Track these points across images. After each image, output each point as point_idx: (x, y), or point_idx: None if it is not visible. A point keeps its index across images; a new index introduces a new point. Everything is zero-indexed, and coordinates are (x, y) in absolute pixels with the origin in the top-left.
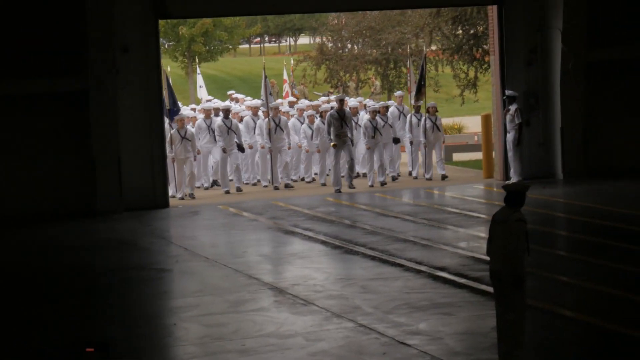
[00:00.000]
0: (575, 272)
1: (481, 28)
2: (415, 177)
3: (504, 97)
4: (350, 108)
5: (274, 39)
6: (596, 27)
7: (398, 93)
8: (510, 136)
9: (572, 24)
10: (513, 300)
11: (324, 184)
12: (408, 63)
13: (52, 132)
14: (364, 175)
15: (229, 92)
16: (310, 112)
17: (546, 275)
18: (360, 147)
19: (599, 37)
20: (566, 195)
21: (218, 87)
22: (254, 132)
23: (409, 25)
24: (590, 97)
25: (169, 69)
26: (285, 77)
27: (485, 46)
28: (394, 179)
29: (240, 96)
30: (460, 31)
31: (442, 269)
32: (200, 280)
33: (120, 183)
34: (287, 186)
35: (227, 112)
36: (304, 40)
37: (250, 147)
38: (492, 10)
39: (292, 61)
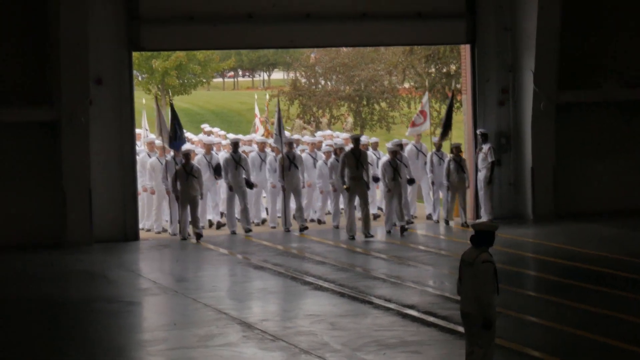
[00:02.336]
0: (543, 313)
1: (454, 67)
2: (437, 221)
3: (478, 133)
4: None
5: (247, 74)
6: (567, 70)
7: (416, 130)
8: (481, 175)
9: (543, 65)
10: (482, 339)
11: (336, 227)
12: (423, 98)
13: (23, 162)
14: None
15: (203, 126)
16: (326, 148)
17: (514, 316)
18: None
19: (569, 79)
20: (535, 236)
21: (191, 121)
22: (260, 170)
23: (382, 63)
24: (560, 138)
25: (143, 101)
26: (256, 112)
27: (457, 85)
28: (408, 223)
29: (215, 129)
30: (433, 69)
31: (411, 307)
32: (169, 314)
33: (90, 215)
34: (302, 229)
35: (236, 145)
36: (277, 75)
37: (256, 186)
38: (465, 50)
39: (267, 96)
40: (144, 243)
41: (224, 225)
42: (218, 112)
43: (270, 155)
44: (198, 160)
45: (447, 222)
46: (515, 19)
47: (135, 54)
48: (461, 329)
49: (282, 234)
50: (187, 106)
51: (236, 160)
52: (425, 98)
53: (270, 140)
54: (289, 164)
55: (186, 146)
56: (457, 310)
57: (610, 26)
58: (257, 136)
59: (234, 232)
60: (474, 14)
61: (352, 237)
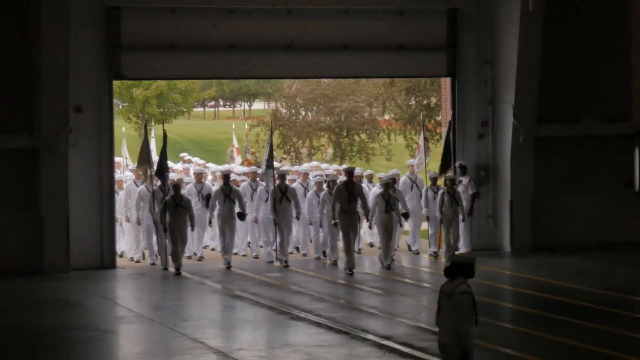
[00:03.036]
0: (521, 345)
1: (434, 99)
2: (436, 254)
3: (457, 166)
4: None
5: (228, 104)
6: (546, 104)
7: (411, 161)
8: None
9: (523, 99)
10: None
11: (335, 263)
12: (421, 132)
13: (1, 188)
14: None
15: (182, 155)
16: (317, 178)
17: (492, 348)
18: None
19: (548, 114)
20: (513, 268)
21: (170, 150)
22: (252, 200)
23: (363, 94)
24: (539, 172)
25: (123, 129)
26: (234, 142)
27: (437, 117)
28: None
29: (194, 159)
30: (414, 102)
31: (387, 337)
32: (144, 342)
33: (68, 242)
34: (284, 264)
35: (227, 178)
36: (258, 105)
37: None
38: (445, 83)
39: (246, 126)
40: (121, 271)
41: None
42: (198, 142)
43: (261, 185)
44: (188, 189)
45: (435, 256)
46: (495, 53)
47: (116, 83)
48: None
49: (317, 280)
50: (169, 135)
51: (226, 193)
52: (420, 135)
53: (257, 169)
54: (281, 197)
55: (176, 176)
56: (434, 341)
57: (590, 61)
58: (236, 166)
59: (229, 267)
60: (454, 47)
61: (351, 272)
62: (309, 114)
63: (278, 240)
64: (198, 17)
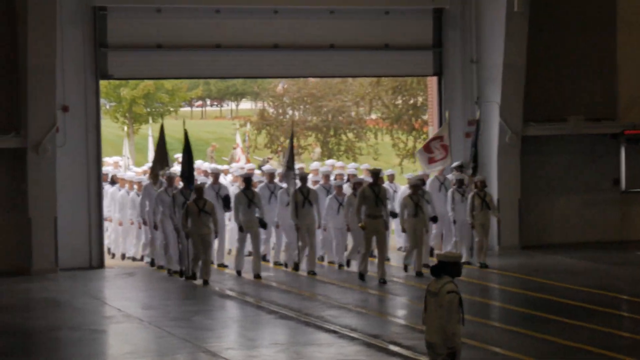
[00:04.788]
0: (508, 344)
1: (421, 99)
2: (469, 263)
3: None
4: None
5: (215, 103)
6: (532, 103)
7: (435, 166)
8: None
9: (509, 98)
10: None
11: (340, 265)
12: (448, 131)
13: None
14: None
15: (176, 156)
16: (339, 182)
17: (479, 346)
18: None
19: (535, 113)
20: (500, 267)
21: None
22: (269, 203)
23: (350, 94)
24: (525, 171)
25: (125, 129)
26: (237, 141)
27: (424, 116)
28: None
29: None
30: (400, 101)
31: (376, 336)
32: (133, 342)
33: (56, 242)
34: (311, 273)
35: (249, 181)
36: (245, 105)
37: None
38: (432, 82)
39: (248, 126)
40: (110, 271)
41: (225, 266)
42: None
43: (281, 187)
44: (205, 190)
45: (484, 265)
46: (481, 52)
47: (103, 82)
48: (426, 358)
49: (306, 279)
50: (155, 134)
51: (249, 197)
52: (445, 130)
53: (265, 168)
54: (303, 200)
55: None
56: (422, 340)
57: (576, 60)
58: (240, 166)
59: (239, 273)
60: (440, 46)
61: (362, 276)
62: (296, 113)
63: (301, 246)
64: (184, 16)
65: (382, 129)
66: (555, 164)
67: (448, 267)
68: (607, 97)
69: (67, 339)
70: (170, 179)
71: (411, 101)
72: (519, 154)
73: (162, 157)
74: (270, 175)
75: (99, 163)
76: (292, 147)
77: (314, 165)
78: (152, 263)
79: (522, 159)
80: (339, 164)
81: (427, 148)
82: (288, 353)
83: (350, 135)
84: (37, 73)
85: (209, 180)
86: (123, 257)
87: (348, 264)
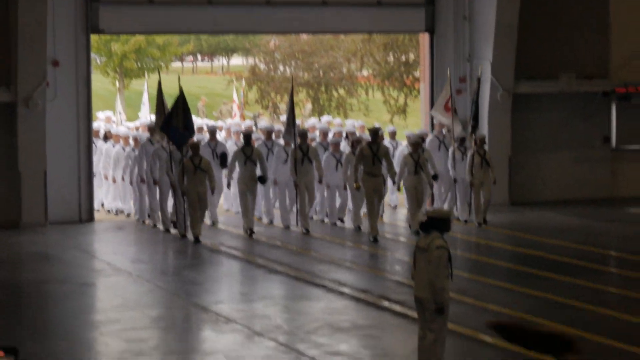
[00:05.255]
0: (497, 299)
1: (412, 55)
2: (466, 221)
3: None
4: (335, 134)
5: (206, 59)
6: (524, 61)
7: (435, 118)
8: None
9: (501, 56)
10: (434, 324)
11: (358, 228)
12: (450, 88)
13: None
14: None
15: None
16: (336, 139)
17: (468, 302)
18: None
19: (526, 70)
20: (490, 223)
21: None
22: (267, 161)
23: (341, 50)
24: (516, 128)
25: (117, 84)
26: (234, 97)
27: (415, 73)
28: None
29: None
30: (392, 58)
31: (364, 291)
32: (122, 295)
33: (46, 196)
34: (305, 230)
35: (248, 137)
36: (236, 60)
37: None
38: (424, 38)
39: (243, 81)
40: (99, 225)
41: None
42: (176, 96)
43: (278, 144)
44: (201, 147)
45: (479, 224)
46: (474, 9)
47: (93, 37)
48: (414, 313)
49: (296, 234)
50: (152, 91)
51: (247, 154)
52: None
53: (262, 125)
54: (302, 157)
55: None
56: (410, 295)
57: (568, 18)
58: (236, 122)
59: (251, 233)
60: (432, 3)
61: (375, 239)
62: (287, 69)
63: (299, 204)
64: None
65: (374, 86)
66: (547, 121)
67: (437, 223)
68: (599, 55)
69: (56, 293)
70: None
71: (403, 58)
72: (510, 112)
73: (162, 113)
74: (268, 133)
75: (89, 117)
76: (292, 103)
77: (311, 122)
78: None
79: (513, 116)
80: (337, 120)
81: (446, 107)
82: (277, 307)
83: (342, 91)
84: (27, 27)
85: (206, 137)
86: (117, 213)
87: (359, 229)
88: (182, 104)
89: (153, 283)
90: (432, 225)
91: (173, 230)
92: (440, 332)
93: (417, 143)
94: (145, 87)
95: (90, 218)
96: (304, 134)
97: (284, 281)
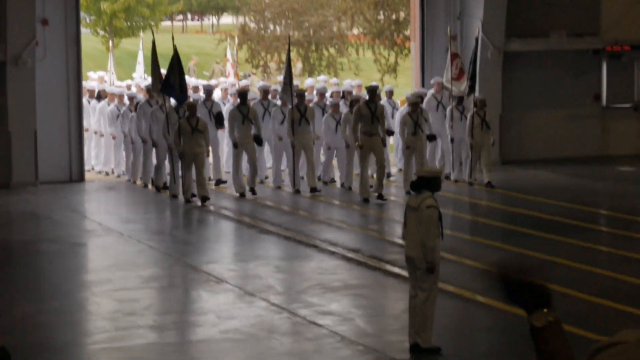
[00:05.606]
0: (487, 258)
1: (403, 14)
2: (456, 181)
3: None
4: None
5: (196, 17)
6: (514, 19)
7: (436, 79)
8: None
9: (491, 14)
10: (425, 283)
11: (349, 188)
12: (449, 47)
13: None
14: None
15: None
16: (335, 99)
17: (458, 261)
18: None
19: (516, 28)
20: (481, 182)
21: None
22: (262, 121)
23: (332, 9)
24: (506, 86)
25: (110, 43)
26: (228, 56)
27: (406, 32)
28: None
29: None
30: (382, 16)
31: (355, 250)
32: (114, 255)
33: (36, 156)
34: (313, 190)
35: (244, 96)
36: (226, 19)
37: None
38: None
39: (236, 40)
40: (90, 185)
41: (224, 182)
42: (167, 56)
43: (275, 104)
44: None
45: (470, 184)
46: None
47: None
48: (405, 273)
49: (288, 195)
50: (135, 49)
51: (243, 113)
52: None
53: (261, 85)
54: (300, 118)
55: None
56: (401, 255)
57: None
58: (229, 81)
59: (242, 195)
60: None
61: (367, 200)
62: (278, 28)
63: (294, 164)
64: None
65: (364, 44)
66: (537, 79)
67: (428, 182)
68: (590, 13)
69: (47, 252)
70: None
71: (393, 16)
72: (500, 70)
73: (157, 73)
74: (264, 92)
75: (79, 77)
76: (289, 62)
77: (309, 82)
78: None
79: (503, 74)
80: (333, 80)
81: (458, 76)
82: (268, 267)
83: (332, 50)
84: None
85: (202, 97)
86: (107, 174)
87: (350, 189)
88: (177, 64)
89: (144, 243)
90: (423, 184)
91: (166, 192)
92: (431, 291)
93: (416, 103)
94: (140, 46)
95: (81, 178)
96: (301, 94)
97: (275, 241)
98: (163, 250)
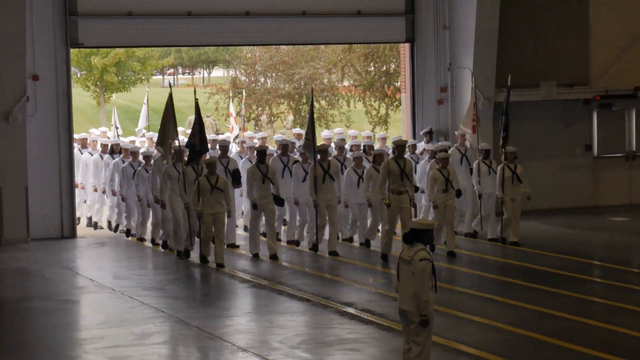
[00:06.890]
0: (480, 310)
1: (393, 65)
2: (475, 235)
3: (422, 133)
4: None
5: (187, 71)
6: (505, 69)
7: (459, 131)
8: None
9: (482, 64)
10: (419, 336)
11: (367, 244)
12: (474, 94)
13: None
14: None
15: (180, 129)
16: (357, 153)
17: (451, 313)
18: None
19: (507, 79)
20: (471, 234)
21: (130, 118)
22: (282, 177)
23: (322, 61)
24: (498, 137)
25: (113, 97)
26: (231, 110)
27: (396, 83)
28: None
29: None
30: (373, 68)
31: (349, 304)
32: (105, 312)
33: (27, 212)
34: (332, 253)
35: (263, 154)
36: (217, 73)
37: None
38: (404, 48)
39: (243, 93)
40: (81, 241)
41: (237, 246)
42: (158, 110)
43: (296, 160)
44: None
45: (503, 241)
46: (453, 18)
47: (73, 51)
48: (399, 326)
49: (310, 255)
50: (127, 103)
51: (263, 172)
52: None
53: (280, 139)
54: (323, 175)
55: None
56: (394, 308)
57: (548, 26)
58: (250, 135)
59: (256, 255)
60: (412, 12)
61: (385, 257)
62: (268, 81)
63: (317, 225)
64: None
65: (355, 96)
66: (528, 130)
67: (421, 235)
68: (580, 63)
69: (38, 309)
70: (178, 152)
71: (383, 68)
72: (491, 120)
73: (171, 128)
74: (284, 147)
75: (70, 132)
76: (312, 115)
77: (325, 134)
78: (127, 233)
79: (494, 125)
80: (352, 132)
81: (473, 128)
82: (261, 322)
83: (323, 102)
84: (6, 41)
85: (216, 154)
86: (128, 233)
87: (368, 243)
88: (198, 119)
89: (136, 299)
90: (416, 236)
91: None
92: (426, 344)
93: (446, 158)
94: (145, 100)
95: (72, 234)
96: (324, 150)
97: (267, 295)
98: (155, 307)
